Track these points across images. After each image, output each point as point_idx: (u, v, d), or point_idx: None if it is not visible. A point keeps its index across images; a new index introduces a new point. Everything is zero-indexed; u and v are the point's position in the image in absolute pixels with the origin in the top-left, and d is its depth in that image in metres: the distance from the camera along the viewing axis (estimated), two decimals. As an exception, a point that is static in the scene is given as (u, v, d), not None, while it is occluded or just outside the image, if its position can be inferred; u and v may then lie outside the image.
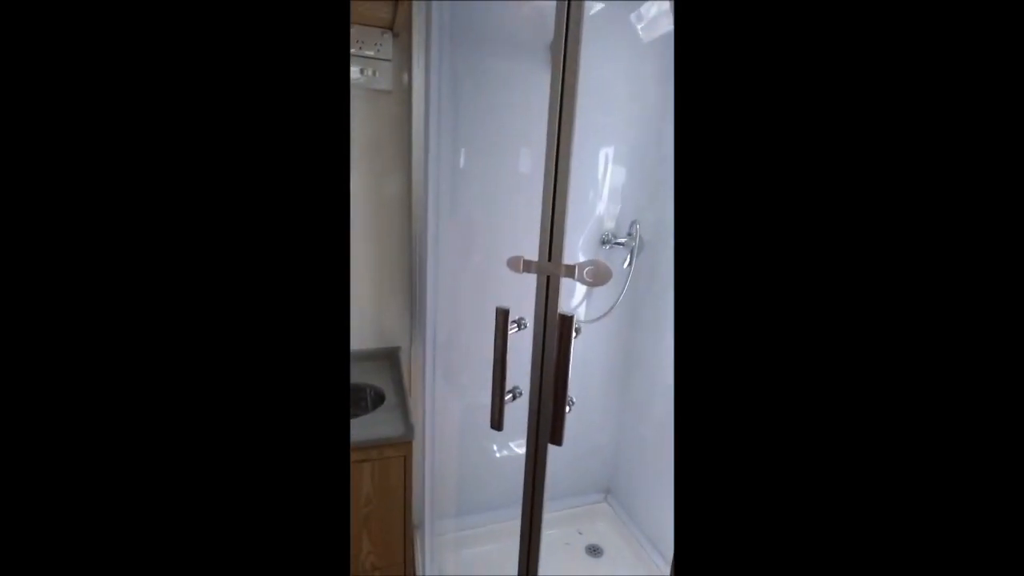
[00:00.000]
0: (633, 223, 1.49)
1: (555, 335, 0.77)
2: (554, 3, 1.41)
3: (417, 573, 1.29)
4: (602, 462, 1.85)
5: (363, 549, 1.13)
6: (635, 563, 1.61)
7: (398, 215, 1.42)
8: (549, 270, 0.75)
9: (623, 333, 1.68)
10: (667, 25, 1.33)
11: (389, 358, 1.48)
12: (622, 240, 1.50)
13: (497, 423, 0.83)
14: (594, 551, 1.68)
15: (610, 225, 1.52)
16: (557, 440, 0.77)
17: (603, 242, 1.51)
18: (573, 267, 0.73)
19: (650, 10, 1.35)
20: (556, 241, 0.74)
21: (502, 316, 0.76)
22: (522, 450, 1.73)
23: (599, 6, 1.36)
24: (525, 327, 0.84)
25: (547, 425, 0.82)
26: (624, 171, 1.51)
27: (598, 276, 0.71)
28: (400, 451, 1.09)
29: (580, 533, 1.75)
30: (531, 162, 1.40)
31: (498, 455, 1.72)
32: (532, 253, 0.79)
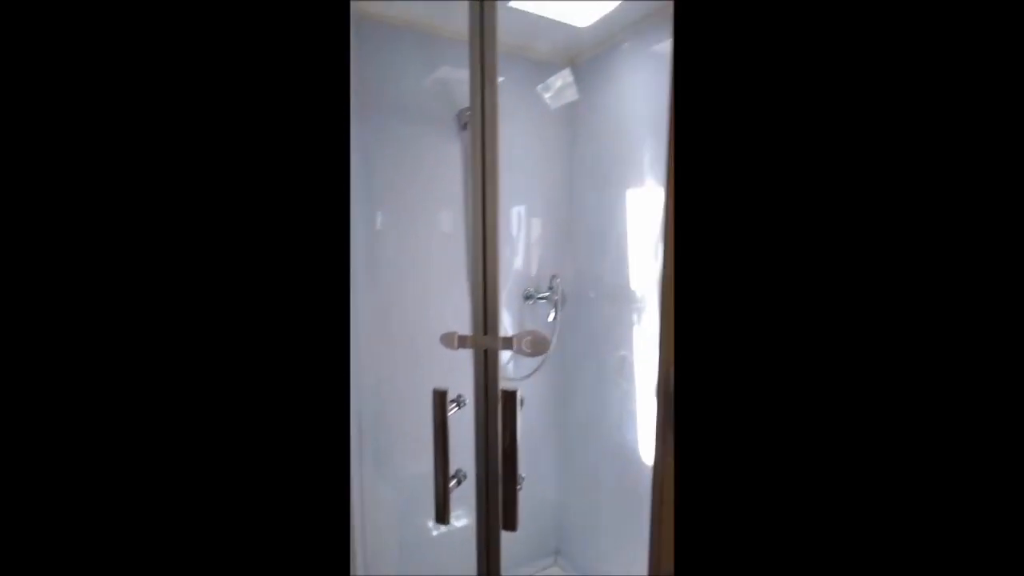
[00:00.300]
0: (553, 277, 1.52)
1: (497, 411, 0.73)
2: (456, 74, 1.45)
3: None
4: (548, 522, 1.79)
5: None
6: (594, 628, 1.54)
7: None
8: (486, 344, 0.72)
9: (553, 384, 1.67)
10: (571, 96, 1.44)
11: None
12: (544, 295, 1.52)
13: (443, 516, 0.76)
14: (550, 622, 1.58)
15: (531, 281, 1.54)
16: (512, 526, 0.71)
17: (526, 297, 1.52)
18: (511, 339, 0.70)
19: (556, 81, 1.45)
20: (491, 313, 0.72)
21: (439, 398, 0.71)
22: (462, 523, 1.62)
23: (501, 78, 1.44)
24: (464, 404, 0.79)
25: (496, 508, 0.76)
26: (539, 226, 1.56)
27: (536, 346, 0.69)
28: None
29: (533, 605, 1.65)
30: (451, 222, 1.39)
31: (435, 533, 1.59)
32: (460, 320, 0.75)
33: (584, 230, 1.53)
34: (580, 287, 1.54)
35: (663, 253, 0.67)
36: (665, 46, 1.21)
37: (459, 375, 0.79)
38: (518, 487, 0.71)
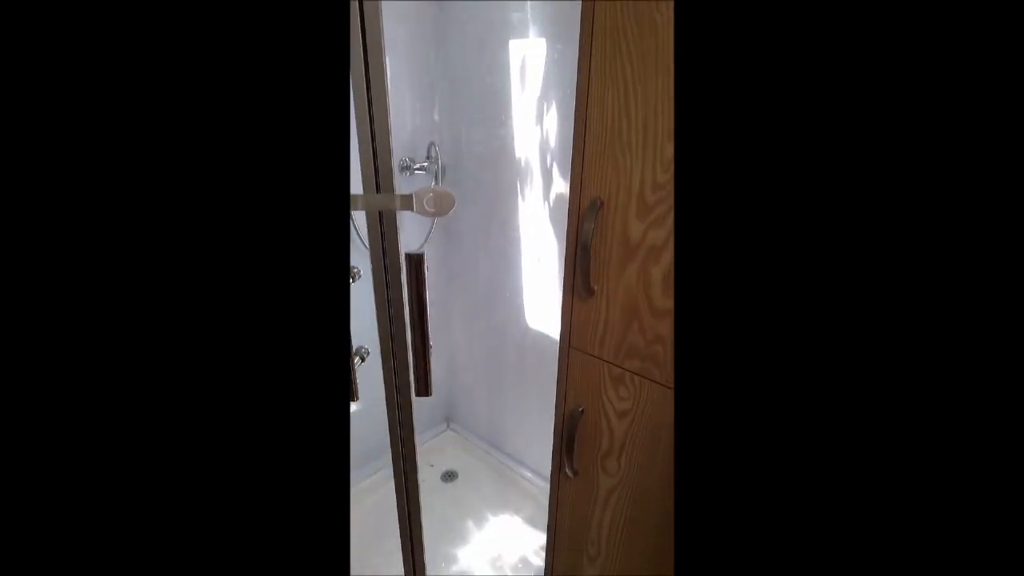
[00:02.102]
0: (431, 145, 1.39)
1: (401, 279, 0.67)
2: None
3: None
4: (439, 392, 1.87)
5: None
6: (491, 474, 1.72)
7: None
8: (381, 204, 0.63)
9: (437, 257, 1.64)
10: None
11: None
12: (423, 164, 1.40)
13: (351, 393, 0.71)
14: (449, 476, 1.73)
15: (405, 149, 1.40)
16: (427, 391, 0.70)
17: (403, 168, 1.39)
18: (410, 197, 0.62)
19: None
20: (384, 171, 0.62)
21: (333, 270, 0.62)
22: (352, 409, 1.61)
23: None
24: (359, 277, 0.71)
25: (405, 378, 0.74)
26: (407, 91, 1.38)
27: (441, 203, 0.62)
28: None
29: (431, 465, 1.77)
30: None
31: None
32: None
33: (461, 91, 1.39)
34: (459, 156, 1.45)
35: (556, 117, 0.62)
36: None
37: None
38: (430, 351, 0.68)
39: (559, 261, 1.31)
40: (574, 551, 0.84)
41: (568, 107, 1.16)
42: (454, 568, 1.37)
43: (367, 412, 1.63)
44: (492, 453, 1.77)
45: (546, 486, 1.64)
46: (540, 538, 1.45)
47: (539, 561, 1.37)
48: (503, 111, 1.29)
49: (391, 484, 0.88)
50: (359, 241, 1.34)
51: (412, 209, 0.62)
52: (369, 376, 0.79)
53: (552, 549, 0.88)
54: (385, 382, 0.75)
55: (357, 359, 0.72)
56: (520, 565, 1.37)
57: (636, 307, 0.63)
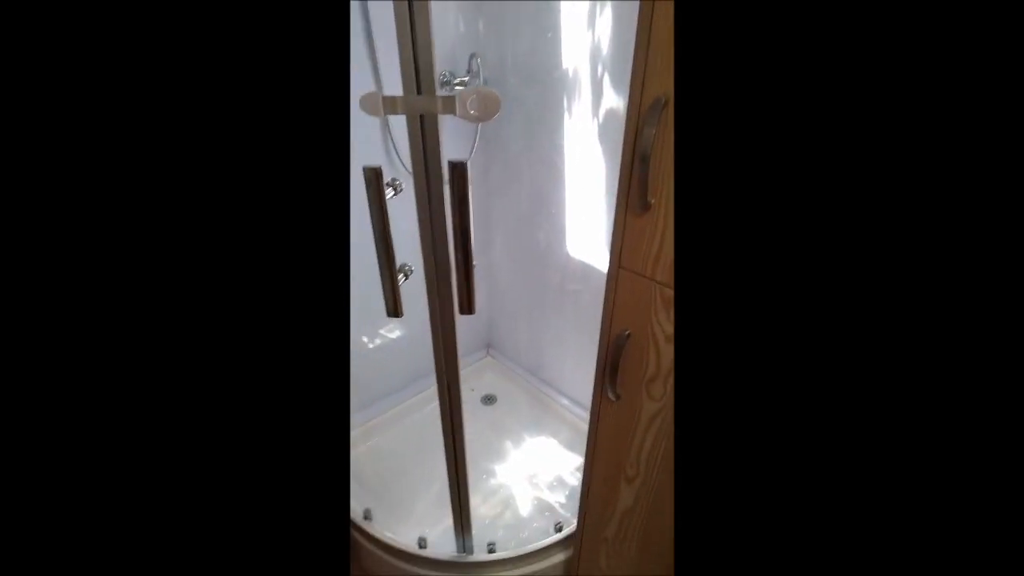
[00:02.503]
0: (472, 57, 1.30)
1: (441, 191, 0.64)
2: None
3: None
4: (479, 318, 1.89)
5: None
6: (530, 400, 1.77)
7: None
8: (422, 107, 0.59)
9: (478, 179, 1.59)
10: None
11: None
12: (462, 79, 1.32)
13: (394, 309, 0.71)
14: (488, 400, 1.79)
15: (445, 62, 1.32)
16: (470, 308, 0.69)
17: (442, 83, 1.32)
18: (452, 99, 0.58)
19: None
20: (424, 69, 0.57)
21: (373, 177, 0.59)
22: (395, 335, 1.66)
23: None
24: (401, 189, 0.69)
25: (448, 295, 0.73)
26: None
27: (485, 107, 0.57)
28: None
29: (472, 389, 1.83)
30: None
31: (371, 345, 1.62)
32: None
33: (509, 3, 1.27)
34: (503, 69, 1.35)
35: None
36: None
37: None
38: (473, 268, 0.66)
39: (606, 184, 1.24)
40: (612, 471, 0.85)
41: (624, 6, 1.04)
42: (492, 482, 1.44)
43: (411, 332, 1.68)
44: (531, 380, 1.81)
45: (584, 413, 1.67)
46: (576, 460, 1.50)
47: (575, 481, 1.43)
48: (551, 18, 1.18)
49: (434, 405, 0.91)
50: (397, 159, 1.30)
51: (454, 112, 0.58)
52: (412, 294, 0.78)
53: (590, 467, 0.90)
54: (429, 298, 0.75)
55: (401, 276, 0.71)
56: (555, 483, 1.43)
57: (696, 224, 0.58)
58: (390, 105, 0.58)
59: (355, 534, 1.24)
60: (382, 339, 1.64)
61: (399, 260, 0.72)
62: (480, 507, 1.35)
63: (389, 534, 1.19)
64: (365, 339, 1.60)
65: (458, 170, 0.59)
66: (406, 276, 0.74)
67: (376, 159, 1.29)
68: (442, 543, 1.15)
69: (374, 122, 1.06)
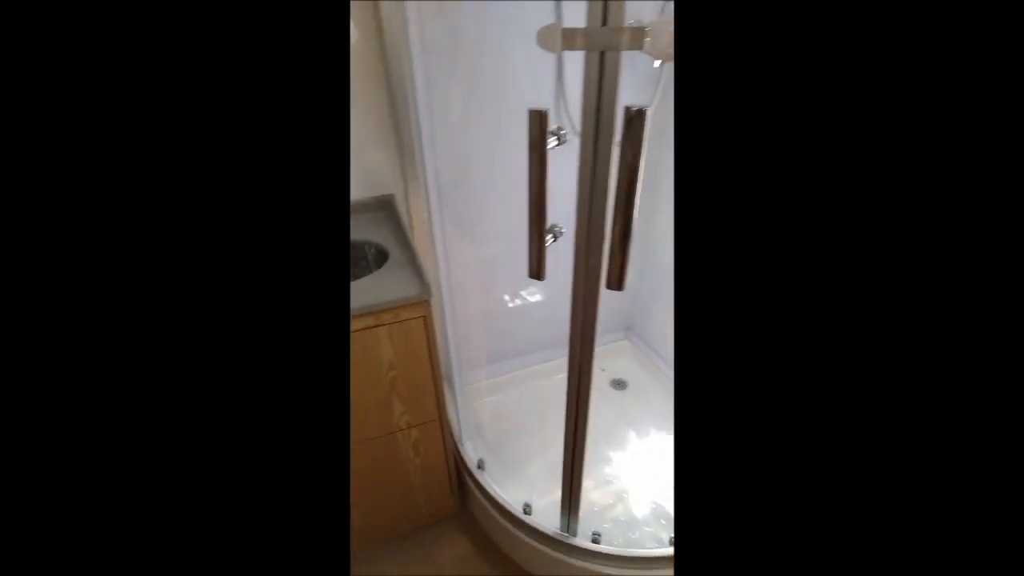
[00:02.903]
0: None
1: (610, 145, 0.56)
2: None
3: (451, 423, 1.28)
4: (621, 297, 1.78)
5: (396, 411, 1.08)
6: (660, 391, 1.64)
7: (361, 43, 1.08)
8: (604, 41, 0.51)
9: (652, 136, 1.44)
10: None
11: (384, 208, 1.28)
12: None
13: (537, 271, 0.67)
14: (619, 384, 1.70)
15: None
16: (620, 284, 0.61)
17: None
18: (642, 31, 0.49)
19: None
20: (614, -8, 0.49)
21: (537, 120, 0.54)
22: (535, 299, 1.64)
23: None
24: (565, 141, 0.62)
25: (597, 266, 0.66)
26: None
27: (681, 42, 0.47)
28: (417, 312, 0.96)
29: (603, 370, 1.76)
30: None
31: (511, 305, 1.63)
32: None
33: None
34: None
35: None
36: None
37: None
38: (630, 237, 0.57)
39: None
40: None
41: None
42: (607, 470, 1.37)
43: (550, 298, 1.65)
44: (668, 373, 1.66)
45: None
46: (705, 472, 1.34)
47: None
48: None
49: (562, 376, 0.86)
50: (566, 115, 1.22)
51: (641, 48, 0.49)
52: (559, 259, 0.73)
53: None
54: (576, 265, 0.68)
55: (550, 237, 0.66)
56: (667, 484, 1.30)
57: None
58: (569, 39, 0.51)
59: (468, 480, 1.29)
60: (521, 300, 1.65)
61: (550, 219, 0.67)
62: (591, 491, 1.30)
63: (497, 488, 1.21)
64: (506, 297, 1.62)
65: (636, 119, 0.50)
66: (555, 237, 0.69)
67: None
68: (547, 516, 1.13)
69: (548, 68, 1.00)
